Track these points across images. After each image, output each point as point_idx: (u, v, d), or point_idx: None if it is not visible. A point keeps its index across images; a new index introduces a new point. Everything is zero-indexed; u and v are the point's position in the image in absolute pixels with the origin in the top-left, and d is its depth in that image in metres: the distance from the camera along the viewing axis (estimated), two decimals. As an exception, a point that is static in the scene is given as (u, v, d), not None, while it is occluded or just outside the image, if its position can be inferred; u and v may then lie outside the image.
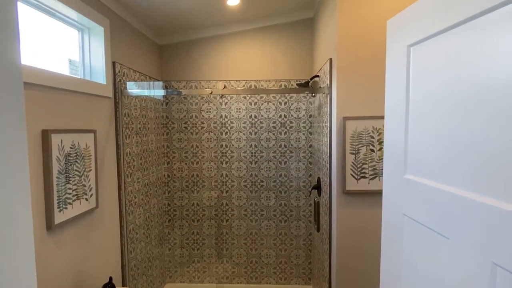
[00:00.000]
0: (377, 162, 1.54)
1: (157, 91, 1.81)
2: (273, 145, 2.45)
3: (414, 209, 0.72)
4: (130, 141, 1.91)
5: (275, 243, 2.50)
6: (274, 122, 2.44)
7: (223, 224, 2.51)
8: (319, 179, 2.07)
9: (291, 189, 2.47)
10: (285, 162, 2.45)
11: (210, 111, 2.46)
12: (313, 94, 2.21)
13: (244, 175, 2.48)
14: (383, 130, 1.53)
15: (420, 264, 0.70)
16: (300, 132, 2.44)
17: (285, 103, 2.42)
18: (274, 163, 2.46)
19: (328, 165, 1.74)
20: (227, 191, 2.49)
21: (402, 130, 0.76)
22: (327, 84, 1.71)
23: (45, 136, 1.18)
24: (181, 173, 2.50)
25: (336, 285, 1.61)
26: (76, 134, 1.36)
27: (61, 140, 1.26)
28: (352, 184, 1.55)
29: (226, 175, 2.48)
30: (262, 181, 2.47)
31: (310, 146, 2.44)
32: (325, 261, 1.83)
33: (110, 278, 1.44)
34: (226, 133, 2.46)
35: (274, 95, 2.42)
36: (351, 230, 1.58)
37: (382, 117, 1.52)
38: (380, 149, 1.54)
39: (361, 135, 1.54)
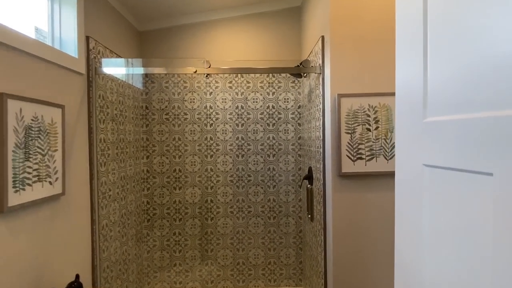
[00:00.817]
0: (373, 142, 1.46)
1: (137, 69, 1.66)
2: (261, 137, 2.33)
3: (440, 154, 0.62)
4: (105, 127, 1.73)
5: (263, 242, 2.35)
6: (261, 114, 2.34)
7: (208, 223, 2.33)
8: (310, 168, 1.96)
9: (280, 184, 2.34)
10: (274, 155, 2.34)
11: (193, 101, 2.32)
12: (305, 75, 2.12)
13: (231, 169, 2.33)
14: (379, 108, 1.46)
15: (449, 219, 0.59)
16: (289, 123, 2.34)
17: (273, 93, 2.33)
18: (262, 156, 2.33)
19: (321, 150, 1.64)
20: (212, 187, 2.33)
21: (419, 62, 0.67)
22: (319, 64, 1.63)
23: None
24: (161, 168, 2.31)
25: (332, 280, 1.48)
26: (40, 105, 1.18)
27: (21, 109, 1.08)
28: (348, 166, 1.46)
29: (211, 170, 2.33)
30: (249, 176, 2.33)
31: (300, 138, 2.34)
32: (319, 254, 1.70)
33: (77, 276, 1.24)
34: (211, 125, 2.32)
35: (262, 85, 2.32)
36: (348, 216, 1.46)
37: (379, 94, 1.45)
38: (377, 128, 1.47)
39: (356, 114, 1.46)
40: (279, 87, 2.33)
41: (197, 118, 2.32)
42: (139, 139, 2.26)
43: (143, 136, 2.31)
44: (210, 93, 2.32)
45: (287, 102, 2.34)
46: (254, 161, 2.33)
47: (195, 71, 1.56)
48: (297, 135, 2.34)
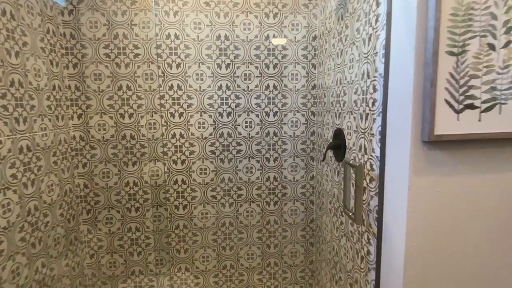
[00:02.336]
0: (499, 73, 0.71)
1: None
2: (256, 85, 1.53)
3: None
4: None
5: (260, 237, 1.66)
6: (257, 48, 1.51)
7: (178, 213, 1.59)
8: (338, 131, 1.21)
9: (284, 155, 1.60)
10: (276, 114, 1.56)
11: (148, 26, 1.45)
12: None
13: (211, 134, 1.55)
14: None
15: None
16: (298, 64, 1.54)
17: (275, 15, 1.49)
18: (257, 115, 1.56)
19: (377, 95, 0.88)
20: (183, 161, 1.55)
21: None
22: None
23: None
24: (103, 132, 1.50)
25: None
26: None
27: None
28: (447, 122, 0.71)
29: (181, 136, 1.54)
30: (239, 144, 1.57)
31: (314, 86, 1.56)
32: (358, 272, 1.01)
33: None
34: (177, 66, 1.49)
35: (257, 1, 1.47)
36: (442, 222, 0.75)
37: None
38: (509, 43, 0.71)
39: (472, 13, 0.69)
40: (284, 6, 1.49)
41: (156, 54, 1.47)
42: (61, 87, 1.41)
43: (69, 83, 1.46)
44: (175, 13, 1.45)
45: (296, 30, 1.51)
46: (246, 122, 1.55)
47: None
48: (310, 82, 1.56)
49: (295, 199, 1.64)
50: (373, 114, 0.93)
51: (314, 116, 1.58)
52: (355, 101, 1.06)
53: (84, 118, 1.48)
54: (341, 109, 1.20)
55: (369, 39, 0.94)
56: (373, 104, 0.92)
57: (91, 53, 1.44)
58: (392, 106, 0.81)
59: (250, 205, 1.63)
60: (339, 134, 1.21)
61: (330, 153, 1.33)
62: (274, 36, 1.50)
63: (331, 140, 1.30)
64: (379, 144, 0.88)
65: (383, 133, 0.85)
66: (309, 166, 1.62)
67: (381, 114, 0.86)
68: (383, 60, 0.86)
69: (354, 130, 1.07)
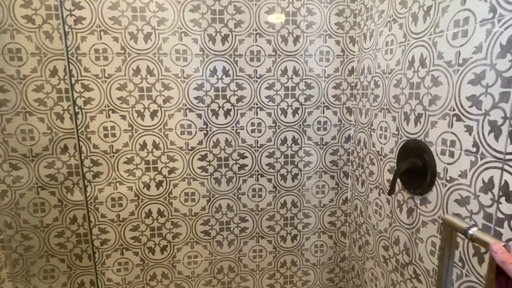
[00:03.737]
0: None
1: None
2: (267, 69, 1.02)
3: None
4: None
5: (272, 284, 1.18)
6: (269, 10, 0.99)
7: (154, 258, 1.09)
8: (416, 146, 0.73)
9: (306, 170, 1.11)
10: (295, 111, 1.06)
11: (96, -27, 0.90)
12: None
13: (201, 142, 1.04)
14: None
15: None
16: (329, 37, 1.03)
17: (297, -41, 0.97)
18: (269, 113, 1.05)
19: None
20: (159, 184, 1.04)
21: None
22: None
23: None
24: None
25: None
26: None
27: None
28: None
29: (155, 146, 1.02)
30: (243, 156, 1.07)
31: (351, 71, 1.06)
32: None
33: None
34: (146, 37, 0.95)
35: None
36: None
37: None
38: None
39: None
40: None
41: (110, 18, 0.93)
42: (42, 71, 0.85)
43: (55, 64, 0.90)
44: (139, -49, 0.90)
45: (330, -17, 1.00)
46: (252, 124, 1.05)
47: None
48: (347, 64, 1.06)
49: (321, 231, 1.17)
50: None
51: (350, 115, 1.09)
52: (470, 98, 0.57)
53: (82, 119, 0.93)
54: (424, 109, 0.71)
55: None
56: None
57: (90, 16, 0.88)
58: None
59: (259, 242, 1.14)
60: (416, 150, 0.73)
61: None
62: (296, -7, 0.98)
63: (391, 156, 0.82)
64: None
65: None
66: (341, 186, 1.14)
67: None
68: None
69: (466, 150, 0.59)
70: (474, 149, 0.58)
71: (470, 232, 0.44)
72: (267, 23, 0.99)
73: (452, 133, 0.63)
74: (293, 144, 1.08)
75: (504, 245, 0.38)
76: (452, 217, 0.48)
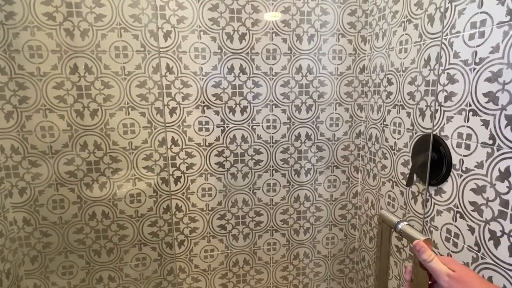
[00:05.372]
0: None
1: None
2: (283, 67, 1.05)
3: None
4: None
5: (285, 276, 1.22)
6: (286, 10, 1.02)
7: (171, 253, 1.11)
8: (429, 140, 0.77)
9: (319, 165, 1.15)
10: (309, 108, 1.10)
11: (117, -29, 0.91)
12: None
13: (218, 139, 1.06)
14: None
15: None
16: (342, 36, 1.07)
17: (312, -39, 1.00)
18: (284, 110, 1.08)
19: None
20: (177, 179, 1.06)
21: None
22: None
23: None
24: (51, 140, 0.96)
25: None
26: None
27: None
28: None
29: (174, 142, 1.04)
30: (258, 152, 1.10)
31: (363, 69, 1.10)
32: None
33: None
34: (166, 35, 0.97)
35: None
36: None
37: None
38: None
39: None
40: None
41: (130, 16, 0.94)
42: (-29, 69, 0.85)
43: (-13, 62, 0.90)
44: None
45: (343, -16, 1.03)
46: (268, 120, 1.08)
47: None
48: (358, 62, 1.10)
49: (333, 224, 1.21)
50: None
51: (361, 112, 1.14)
52: (486, 94, 0.62)
53: (17, 119, 0.93)
54: (440, 105, 0.75)
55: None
56: None
57: (22, 12, 0.88)
58: None
59: (273, 235, 1.18)
60: (431, 144, 0.77)
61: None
62: (311, -7, 1.01)
63: (405, 150, 0.86)
64: None
65: None
66: (351, 180, 1.19)
67: None
68: None
69: (483, 143, 0.64)
70: (490, 142, 0.62)
71: (400, 226, 0.47)
72: (284, 22, 1.02)
73: (468, 127, 0.67)
74: (306, 140, 1.12)
75: (426, 240, 0.41)
76: (386, 212, 0.51)
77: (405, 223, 0.47)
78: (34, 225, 0.99)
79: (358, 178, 1.19)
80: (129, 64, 0.95)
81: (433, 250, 0.42)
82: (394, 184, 0.96)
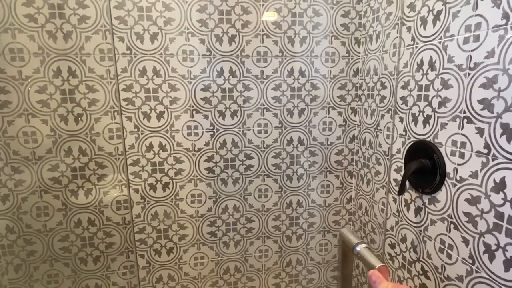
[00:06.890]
0: None
1: None
2: (274, 69, 1.02)
3: None
4: None
5: (277, 284, 1.20)
6: (277, 10, 0.99)
7: (160, 261, 1.08)
8: (423, 146, 0.75)
9: (312, 170, 1.13)
10: (301, 112, 1.07)
11: (101, -29, 0.88)
12: None
13: (207, 144, 1.03)
14: None
15: None
16: (335, 38, 1.04)
17: (304, -39, 0.97)
18: (275, 114, 1.06)
19: None
20: (165, 186, 1.03)
21: None
22: None
23: None
24: (34, 146, 0.93)
25: None
26: None
27: None
28: None
29: (162, 147, 1.01)
30: (249, 157, 1.07)
31: (356, 72, 1.08)
32: None
33: None
34: (153, 37, 0.94)
35: None
36: None
37: None
38: None
39: None
40: None
41: (116, 18, 0.91)
42: None
43: (-34, 65, 0.87)
44: (146, -50, 0.89)
45: (336, -15, 1.00)
46: (259, 125, 1.05)
47: None
48: (352, 65, 1.07)
49: (326, 230, 1.19)
50: None
51: (355, 115, 1.11)
52: (481, 101, 0.59)
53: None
54: (433, 111, 0.73)
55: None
56: None
57: (2, 13, 0.85)
58: None
59: (265, 242, 1.15)
60: (425, 151, 0.75)
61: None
62: (303, -6, 0.98)
63: (398, 157, 0.84)
64: None
65: None
66: (345, 185, 1.16)
67: None
68: None
69: (477, 152, 0.61)
70: (485, 151, 0.60)
71: (357, 249, 0.43)
72: (275, 24, 0.99)
73: (463, 134, 0.65)
74: (298, 145, 1.09)
75: (383, 266, 0.38)
76: (346, 231, 0.47)
77: (364, 245, 0.43)
78: (18, 233, 0.96)
79: (352, 184, 1.16)
80: (114, 67, 0.92)
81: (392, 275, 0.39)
82: (387, 190, 0.93)
